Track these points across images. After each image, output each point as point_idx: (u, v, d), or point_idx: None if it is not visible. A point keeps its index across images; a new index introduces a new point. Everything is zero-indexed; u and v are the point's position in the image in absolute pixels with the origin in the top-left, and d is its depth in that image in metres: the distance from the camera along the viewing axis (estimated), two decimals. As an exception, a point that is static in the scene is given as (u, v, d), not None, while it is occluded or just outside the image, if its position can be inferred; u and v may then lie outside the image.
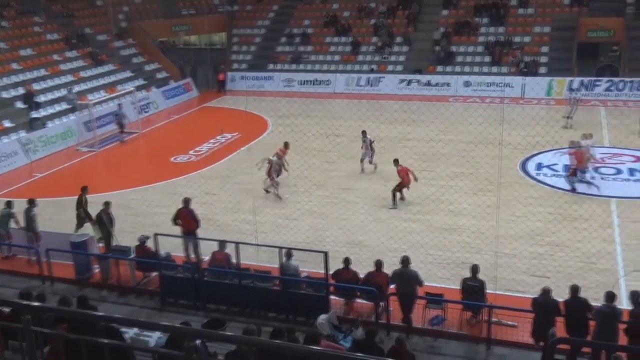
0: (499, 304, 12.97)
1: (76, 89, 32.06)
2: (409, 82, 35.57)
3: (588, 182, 20.55)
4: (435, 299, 13.39)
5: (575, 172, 20.55)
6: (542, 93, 32.84)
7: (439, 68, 36.15)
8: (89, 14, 39.29)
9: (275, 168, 21.13)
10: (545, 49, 35.61)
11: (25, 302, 7.63)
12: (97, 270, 16.00)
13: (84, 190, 17.96)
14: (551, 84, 33.18)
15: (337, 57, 38.63)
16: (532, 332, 12.04)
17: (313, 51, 39.47)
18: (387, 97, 33.95)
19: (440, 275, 15.18)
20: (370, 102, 33.10)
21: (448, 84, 34.84)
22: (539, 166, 22.63)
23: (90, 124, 28.71)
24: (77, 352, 6.66)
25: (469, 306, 13.24)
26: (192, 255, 15.95)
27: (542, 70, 34.54)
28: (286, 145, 22.56)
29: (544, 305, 11.82)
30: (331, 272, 13.69)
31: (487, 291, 13.14)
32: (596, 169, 22.05)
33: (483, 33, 37.25)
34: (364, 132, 23.27)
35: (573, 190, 20.23)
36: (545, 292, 11.95)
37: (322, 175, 22.41)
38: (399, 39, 38.36)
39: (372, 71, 36.95)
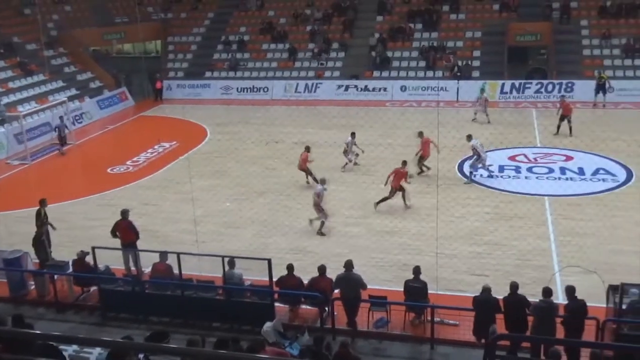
0: (441, 303, 13.21)
1: (5, 100, 30.98)
2: (347, 88, 35.87)
3: (427, 168, 22.46)
4: (379, 301, 13.53)
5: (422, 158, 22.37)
6: (475, 96, 33.63)
7: (376, 73, 36.59)
8: (17, 23, 38.04)
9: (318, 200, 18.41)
10: (477, 53, 36.55)
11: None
12: (33, 287, 15.48)
13: (42, 203, 17.13)
14: (484, 87, 34.04)
15: (274, 64, 38.61)
16: (474, 330, 12.30)
17: (250, 58, 39.35)
18: (325, 103, 34.15)
19: (383, 278, 15.35)
20: (309, 108, 33.23)
21: (385, 89, 35.30)
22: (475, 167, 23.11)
23: (21, 136, 27.81)
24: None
25: (412, 307, 13.44)
26: (133, 268, 15.62)
27: (475, 73, 35.42)
28: (307, 149, 22.04)
29: (484, 303, 12.11)
30: (275, 279, 13.66)
31: (429, 292, 13.36)
32: (530, 169, 22.76)
33: (417, 38, 37.92)
34: (353, 134, 23.54)
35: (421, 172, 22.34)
36: (486, 290, 12.25)
37: (262, 182, 22.35)
38: (335, 45, 38.67)
39: (318, 78, 36.96)
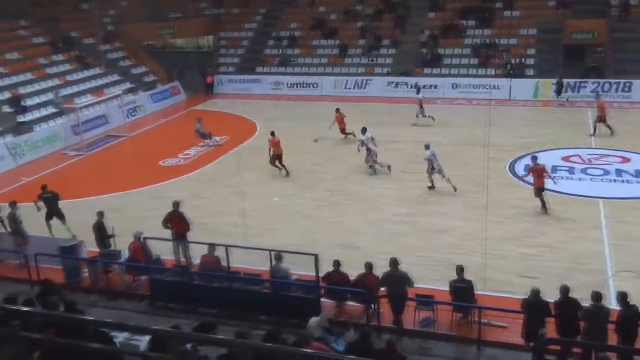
0: (488, 305, 13.02)
1: (63, 92, 31.86)
2: (397, 85, 35.65)
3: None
4: (426, 300, 13.43)
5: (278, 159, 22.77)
6: (528, 95, 33.06)
7: (426, 71, 36.26)
8: (75, 18, 39.07)
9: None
10: (531, 51, 35.81)
11: (14, 308, 7.58)
12: (86, 275, 15.91)
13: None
14: (538, 86, 33.39)
15: (324, 60, 38.67)
16: (523, 333, 12.09)
17: (301, 54, 39.51)
18: (375, 100, 34.02)
19: (430, 277, 15.19)
20: (358, 104, 33.13)
21: (436, 87, 34.93)
22: (527, 168, 22.68)
23: (77, 128, 28.59)
24: (68, 356, 6.61)
25: (459, 307, 13.29)
26: (182, 259, 15.89)
27: (529, 72, 34.73)
28: (338, 110, 24.98)
29: (533, 306, 11.88)
30: (322, 275, 13.70)
31: (477, 292, 13.18)
32: (584, 170, 22.19)
33: (470, 36, 37.42)
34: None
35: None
36: (535, 293, 12.00)
37: (311, 177, 22.42)
38: (386, 42, 38.47)
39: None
